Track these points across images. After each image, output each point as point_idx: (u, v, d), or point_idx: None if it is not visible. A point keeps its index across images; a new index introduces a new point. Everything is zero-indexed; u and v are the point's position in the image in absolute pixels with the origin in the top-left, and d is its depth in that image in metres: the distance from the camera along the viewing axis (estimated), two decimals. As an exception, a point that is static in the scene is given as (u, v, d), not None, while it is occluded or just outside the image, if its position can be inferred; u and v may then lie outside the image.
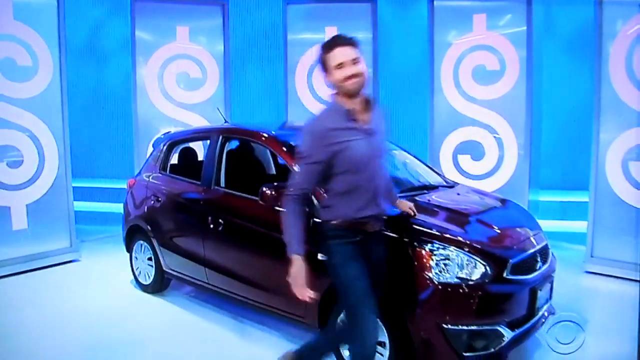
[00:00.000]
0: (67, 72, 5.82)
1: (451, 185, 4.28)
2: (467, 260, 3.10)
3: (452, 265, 3.08)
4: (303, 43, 6.79)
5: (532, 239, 3.52)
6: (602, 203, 5.32)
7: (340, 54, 2.57)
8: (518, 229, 3.60)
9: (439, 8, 6.20)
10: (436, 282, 3.03)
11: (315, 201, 3.51)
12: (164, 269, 4.72)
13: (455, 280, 3.05)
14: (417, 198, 3.70)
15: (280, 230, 3.14)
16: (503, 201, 4.08)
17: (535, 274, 3.35)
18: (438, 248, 3.11)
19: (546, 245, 3.66)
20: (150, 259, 4.86)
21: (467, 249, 3.12)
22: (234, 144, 4.62)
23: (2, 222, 5.35)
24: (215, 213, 4.14)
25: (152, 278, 4.87)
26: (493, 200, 4.06)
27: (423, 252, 3.10)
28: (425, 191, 3.96)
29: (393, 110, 7.99)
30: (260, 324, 4.19)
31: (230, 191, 4.17)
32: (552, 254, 3.80)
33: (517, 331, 3.21)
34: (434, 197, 3.81)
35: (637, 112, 5.05)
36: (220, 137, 4.38)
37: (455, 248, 3.11)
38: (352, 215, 2.67)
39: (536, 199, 6.49)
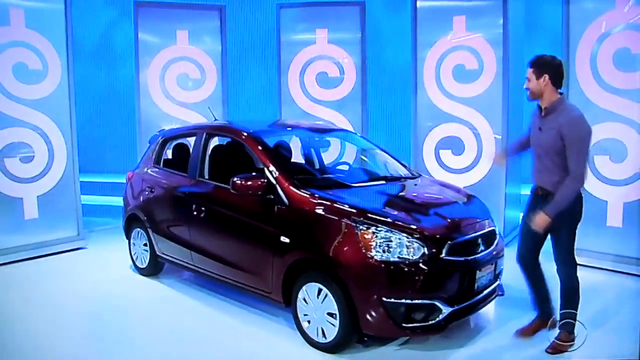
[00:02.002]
0: (75, 74, 6.42)
1: (413, 177, 4.74)
2: (408, 241, 3.56)
3: (393, 246, 3.55)
4: (296, 44, 7.31)
5: (475, 225, 3.96)
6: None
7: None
8: (461, 215, 4.05)
9: (421, 9, 6.63)
10: (377, 260, 3.51)
11: (279, 190, 4.04)
12: (158, 253, 5.28)
13: (396, 259, 3.52)
14: (374, 187, 4.23)
15: (249, 214, 3.72)
16: (459, 192, 4.55)
17: (475, 256, 3.79)
18: (380, 230, 3.58)
19: (491, 232, 4.09)
20: (145, 244, 5.43)
21: (406, 232, 3.59)
22: (218, 140, 5.14)
23: (15, 212, 5.99)
24: (198, 202, 4.69)
25: (147, 262, 5.44)
26: (448, 190, 4.53)
27: (367, 234, 3.58)
28: (384, 182, 4.46)
29: (381, 107, 8.44)
30: (239, 302, 4.72)
31: (211, 182, 4.71)
32: (501, 240, 4.24)
33: (456, 307, 3.67)
34: (388, 187, 4.32)
35: (601, 109, 5.42)
36: (205, 134, 4.93)
37: (396, 230, 3.58)
38: None
39: (517, 193, 6.89)
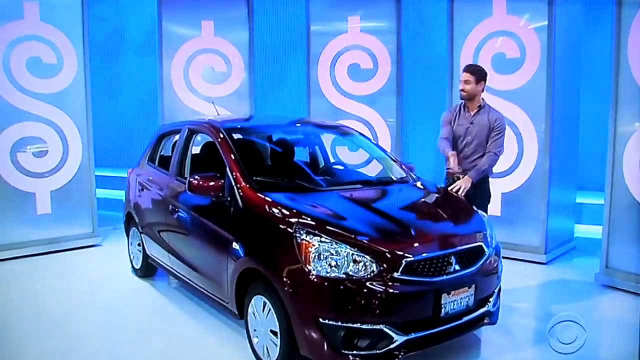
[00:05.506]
0: (92, 68, 6.64)
1: (403, 182, 4.41)
2: (356, 256, 3.27)
3: (338, 260, 3.26)
4: (326, 34, 7.10)
5: (450, 240, 3.57)
6: (618, 207, 5.04)
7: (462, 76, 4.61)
8: (434, 229, 3.67)
9: (459, -8, 6.19)
10: (317, 275, 3.23)
11: (236, 192, 3.90)
12: (147, 253, 5.33)
13: (341, 275, 3.23)
14: (344, 192, 3.99)
15: (210, 217, 4.03)
16: (448, 199, 4.18)
17: (442, 277, 3.40)
18: (325, 242, 3.31)
19: (474, 249, 3.65)
20: (139, 244, 5.50)
21: (355, 245, 3.29)
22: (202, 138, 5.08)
23: (27, 207, 6.29)
24: (173, 202, 4.67)
25: (140, 263, 5.52)
26: (436, 199, 4.16)
27: (310, 245, 3.30)
28: (361, 186, 4.20)
29: (418, 101, 8.01)
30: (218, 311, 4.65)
31: (184, 181, 4.65)
32: (493, 259, 3.80)
33: (413, 335, 3.31)
34: (360, 192, 4.05)
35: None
36: (187, 131, 4.90)
37: (342, 243, 3.29)
38: None
39: (569, 201, 6.23)
